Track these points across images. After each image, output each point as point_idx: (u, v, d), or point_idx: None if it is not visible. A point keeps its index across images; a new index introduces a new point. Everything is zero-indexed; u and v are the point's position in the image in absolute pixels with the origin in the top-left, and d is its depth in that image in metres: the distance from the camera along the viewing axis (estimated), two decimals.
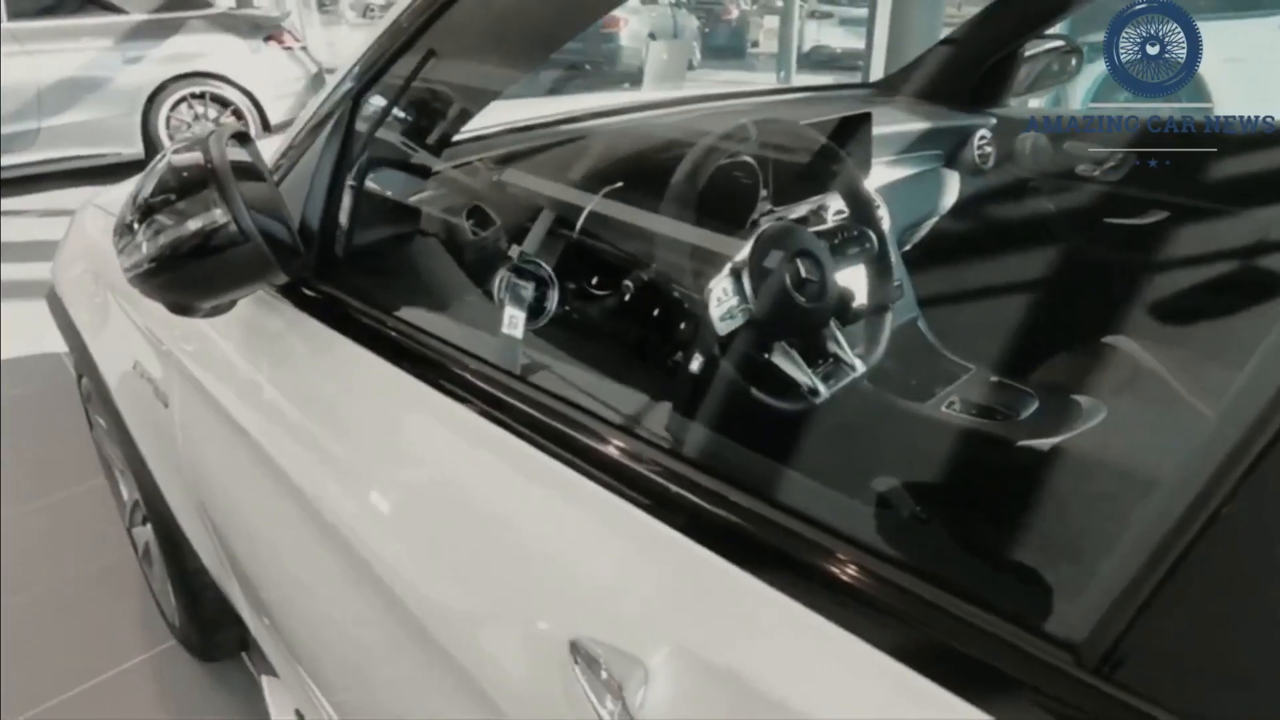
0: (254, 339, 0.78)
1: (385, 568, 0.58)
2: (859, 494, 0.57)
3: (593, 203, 0.84)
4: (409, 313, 0.69)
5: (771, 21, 10.59)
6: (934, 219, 1.53)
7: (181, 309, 0.69)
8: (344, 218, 0.74)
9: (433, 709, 0.57)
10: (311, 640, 0.83)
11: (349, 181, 0.74)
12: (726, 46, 11.29)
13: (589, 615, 0.45)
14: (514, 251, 0.82)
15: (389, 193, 0.82)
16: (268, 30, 5.04)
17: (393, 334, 0.65)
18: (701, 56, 10.23)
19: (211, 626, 1.38)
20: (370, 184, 0.78)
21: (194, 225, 0.61)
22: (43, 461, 2.15)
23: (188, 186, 0.62)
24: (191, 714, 1.42)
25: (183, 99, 4.72)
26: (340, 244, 0.75)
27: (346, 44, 10.00)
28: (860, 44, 5.80)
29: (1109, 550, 0.34)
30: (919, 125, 1.51)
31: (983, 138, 1.61)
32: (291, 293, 0.74)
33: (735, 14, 11.57)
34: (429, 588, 0.55)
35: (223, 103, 4.86)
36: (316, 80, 5.18)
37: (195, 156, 0.63)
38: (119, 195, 1.45)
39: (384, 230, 0.79)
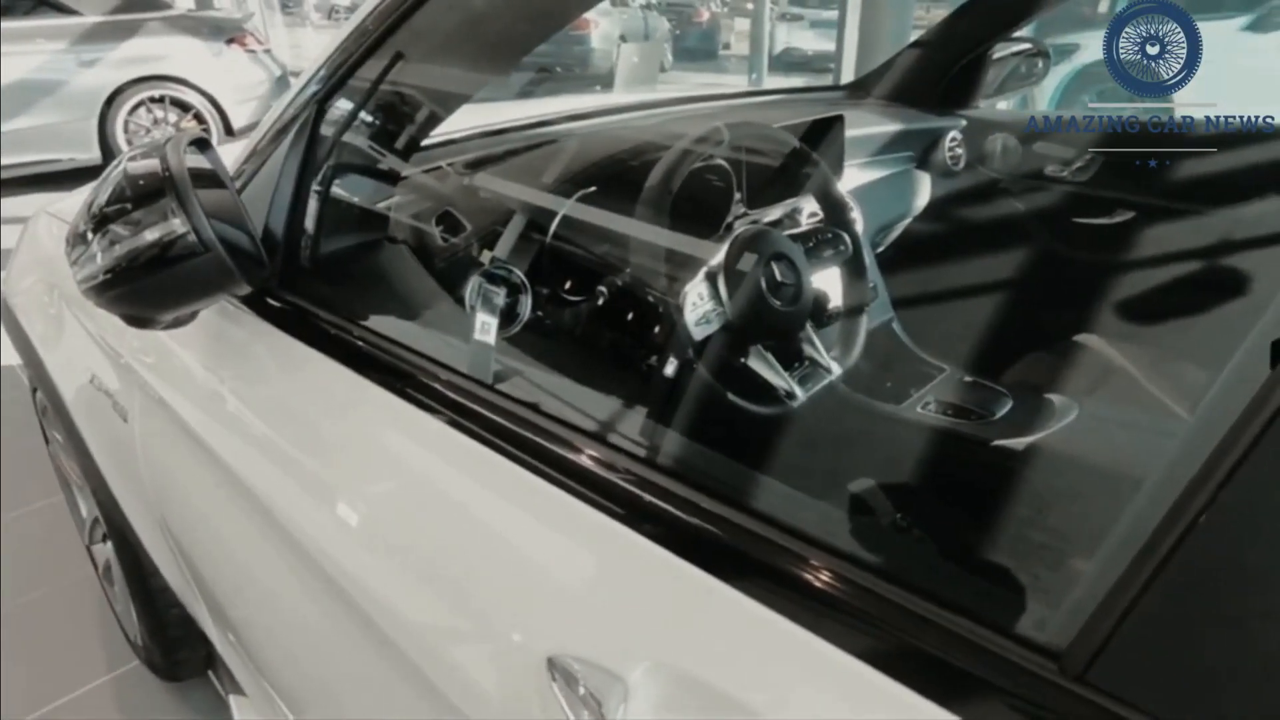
0: (217, 350, 0.76)
1: (353, 583, 0.56)
2: (837, 500, 0.57)
3: (566, 207, 0.83)
4: (377, 321, 0.67)
5: (743, 24, 10.65)
6: (906, 220, 1.54)
7: (139, 322, 0.66)
8: (309, 225, 0.72)
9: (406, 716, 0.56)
10: (279, 658, 0.80)
11: (314, 188, 0.71)
12: (698, 49, 11.33)
13: (566, 630, 0.43)
14: (485, 257, 0.80)
15: (356, 199, 0.80)
16: (230, 32, 4.94)
17: (360, 344, 0.63)
18: (673, 59, 10.25)
19: (175, 645, 1.34)
20: (336, 190, 0.76)
21: (151, 236, 0.58)
22: (4, 475, 2.07)
23: (144, 195, 0.59)
24: None
25: (141, 103, 4.61)
26: (306, 252, 0.72)
27: (311, 46, 9.84)
28: (831, 46, 5.86)
29: (1090, 554, 0.33)
30: (890, 127, 1.52)
31: (953, 139, 1.62)
32: (255, 303, 0.72)
33: (706, 17, 11.61)
34: (398, 603, 0.53)
35: (183, 107, 4.76)
36: (280, 83, 5.09)
37: (152, 164, 0.60)
38: (73, 203, 1.40)
39: (351, 238, 0.77)
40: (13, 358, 2.66)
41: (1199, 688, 0.29)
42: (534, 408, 0.52)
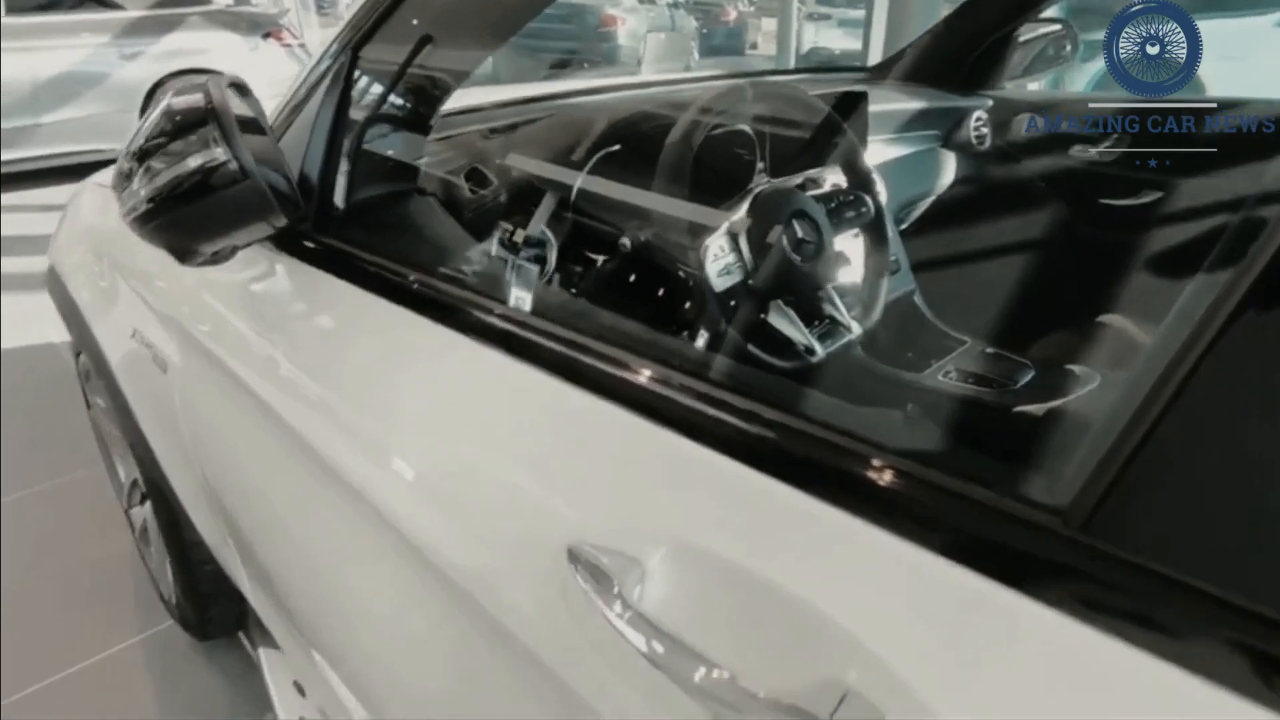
0: (253, 293, 0.78)
1: (391, 506, 0.58)
2: (851, 399, 0.59)
3: (590, 163, 0.85)
4: (410, 260, 0.69)
5: (769, 24, 10.59)
6: (930, 198, 1.54)
7: (182, 253, 0.69)
8: (342, 172, 0.74)
9: (442, 661, 0.58)
10: (316, 603, 0.82)
11: (347, 137, 0.74)
12: (724, 47, 11.30)
13: (584, 521, 0.45)
14: (513, 211, 0.83)
15: (388, 151, 0.82)
16: (266, 27, 5.05)
17: (397, 277, 0.65)
18: (699, 58, 10.25)
19: (208, 603, 1.38)
20: (368, 141, 0.78)
21: (193, 163, 0.61)
22: (40, 448, 2.15)
23: (187, 126, 0.62)
24: (188, 691, 1.42)
25: None
26: (339, 198, 0.75)
27: None
28: (859, 46, 5.81)
29: (1089, 430, 0.35)
30: (915, 105, 1.52)
31: (979, 119, 1.62)
32: (291, 246, 0.74)
33: (733, 15, 11.58)
34: (439, 527, 0.55)
35: None
36: None
37: (194, 98, 0.63)
38: (100, 175, 1.45)
39: (382, 187, 0.79)
40: (48, 335, 2.76)
41: (1190, 531, 0.31)
42: (553, 320, 0.55)
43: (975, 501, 0.36)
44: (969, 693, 0.33)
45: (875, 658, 0.34)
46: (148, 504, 1.50)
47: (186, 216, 0.64)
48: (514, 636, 0.48)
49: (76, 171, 4.61)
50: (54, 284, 1.33)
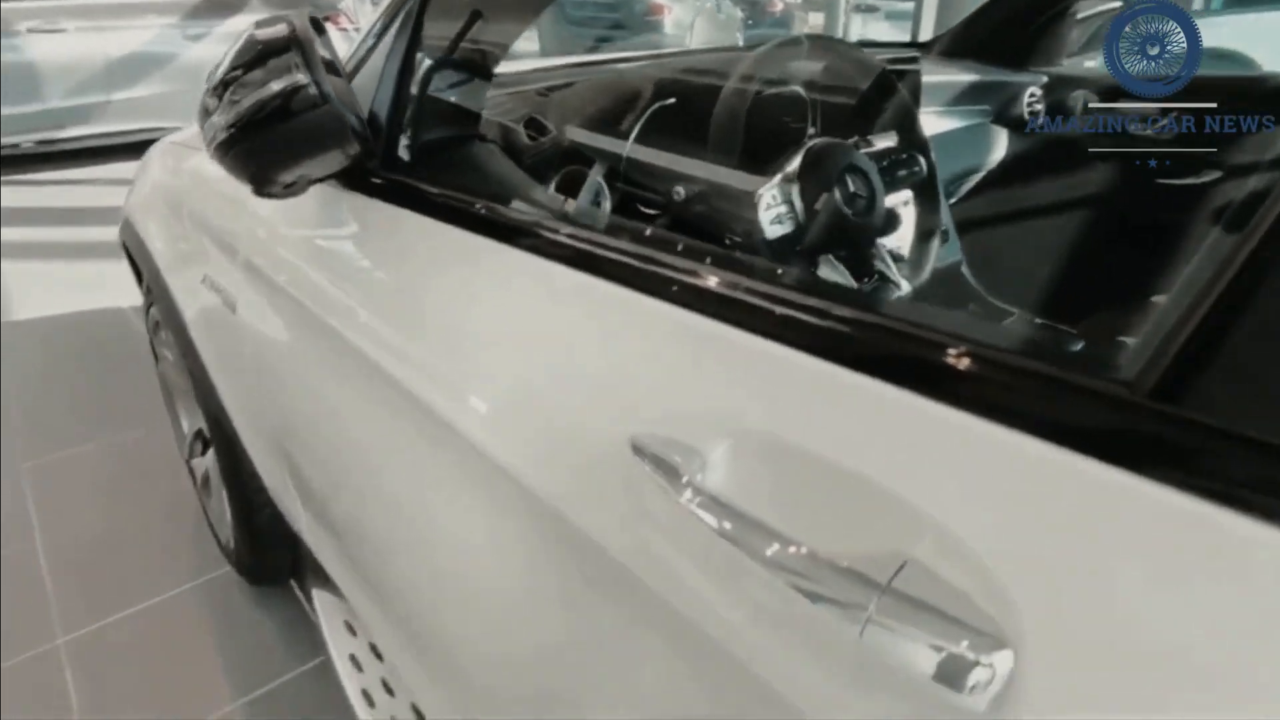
0: (323, 230, 0.82)
1: (463, 422, 0.60)
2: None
3: (646, 115, 0.87)
4: (476, 191, 0.72)
5: (816, 18, 10.46)
6: (980, 173, 1.53)
7: (261, 182, 0.73)
8: (409, 114, 0.78)
9: (512, 586, 0.60)
10: (378, 543, 0.85)
11: (415, 81, 0.77)
12: (770, 38, 11.18)
13: (646, 416, 0.47)
14: (568, 163, 0.85)
15: (451, 96, 0.85)
16: (324, 12, 5.17)
17: (463, 206, 0.68)
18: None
19: (265, 548, 1.44)
20: (435, 86, 0.81)
21: (275, 87, 0.64)
22: (106, 404, 2.25)
23: (269, 53, 0.66)
24: (241, 634, 1.48)
25: None
26: (405, 138, 0.78)
27: None
28: (907, 39, 5.71)
29: (1155, 308, 0.36)
30: (967, 79, 1.51)
31: (1032, 95, 1.59)
32: (359, 184, 0.78)
33: (779, 7, 11.47)
34: (511, 436, 0.56)
35: None
36: None
37: (278, 28, 0.66)
38: (190, 133, 1.52)
39: (446, 130, 0.82)
40: (117, 301, 2.88)
41: (1252, 395, 0.32)
42: (616, 235, 0.57)
43: (1038, 374, 0.36)
44: (1031, 558, 0.34)
45: (935, 527, 0.35)
46: (209, 453, 1.57)
47: (266, 142, 0.67)
48: (588, 540, 0.49)
49: (144, 148, 4.81)
50: (129, 235, 1.40)
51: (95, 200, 4.20)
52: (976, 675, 0.32)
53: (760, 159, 0.86)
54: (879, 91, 1.05)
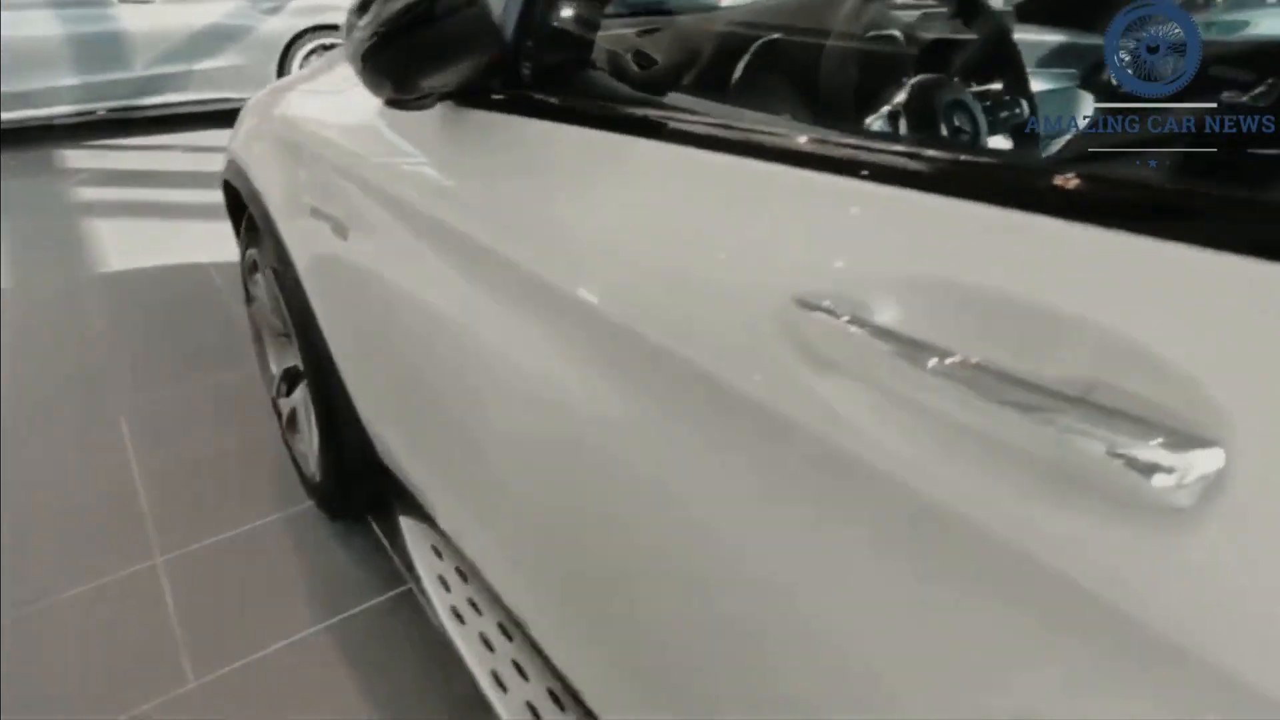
0: (449, 144, 0.83)
1: (615, 302, 0.61)
2: None
3: (755, 48, 0.88)
4: (608, 96, 0.73)
5: None
6: (1066, 137, 1.49)
7: (401, 89, 0.75)
8: (534, 33, 0.79)
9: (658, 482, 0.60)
10: (493, 468, 0.87)
11: (537, 6, 0.79)
12: None
13: (810, 274, 0.48)
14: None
15: (570, 23, 0.86)
16: None
17: (598, 107, 0.70)
18: None
19: (351, 482, 1.50)
20: (556, 10, 0.83)
21: None
22: (191, 350, 2.36)
23: None
24: (319, 563, 1.55)
25: (314, 49, 5.00)
26: (527, 58, 0.80)
27: None
28: None
29: None
30: (1055, 40, 1.47)
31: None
32: (483, 101, 0.80)
33: None
34: (671, 313, 0.57)
35: None
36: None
37: None
38: (293, 80, 1.57)
39: (564, 53, 0.83)
40: (198, 257, 3.00)
41: None
42: (762, 116, 0.58)
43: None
44: (1236, 366, 0.34)
45: (1130, 343, 0.36)
46: (297, 392, 1.64)
47: (412, 45, 0.70)
48: (746, 404, 0.50)
49: (216, 118, 4.99)
50: (234, 173, 1.46)
51: (174, 165, 4.38)
52: (1183, 471, 0.32)
53: (866, 92, 0.86)
54: (984, 35, 1.04)
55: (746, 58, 0.86)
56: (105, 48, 4.42)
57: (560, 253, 0.66)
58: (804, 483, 0.48)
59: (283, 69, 4.90)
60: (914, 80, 0.86)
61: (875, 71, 0.88)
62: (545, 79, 0.80)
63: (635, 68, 0.89)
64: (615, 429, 0.63)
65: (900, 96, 0.85)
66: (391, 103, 0.78)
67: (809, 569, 0.49)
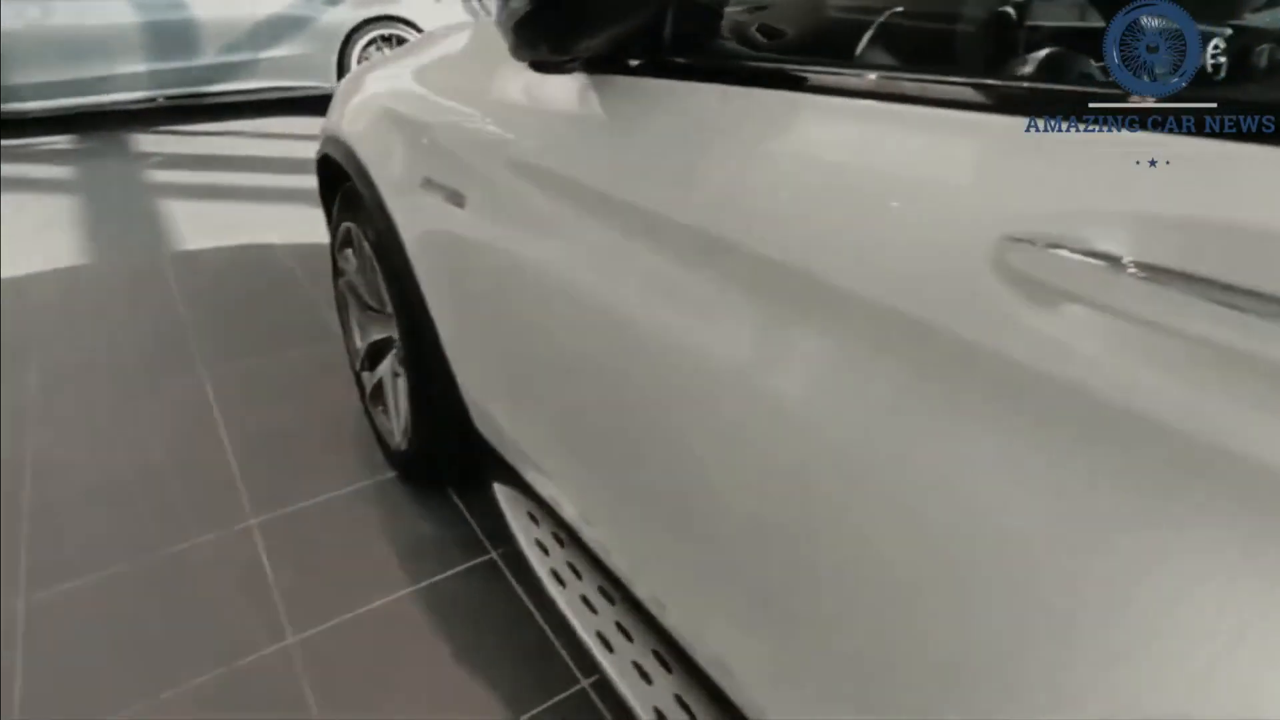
0: (593, 109, 0.83)
1: (792, 247, 0.62)
2: None
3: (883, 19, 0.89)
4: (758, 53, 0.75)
5: None
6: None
7: (557, 50, 0.77)
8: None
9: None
10: (619, 437, 0.89)
11: None
12: None
13: (1020, 215, 0.48)
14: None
15: None
16: None
17: (752, 69, 0.71)
18: None
19: (439, 452, 1.54)
20: None
21: None
22: (267, 325, 2.43)
23: None
24: (404, 531, 1.59)
25: (373, 40, 5.10)
26: (674, 23, 0.82)
27: None
28: None
29: None
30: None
31: (1215, 48, 1.51)
32: (617, 68, 0.82)
33: None
34: (864, 265, 0.57)
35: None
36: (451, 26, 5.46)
37: None
38: (392, 59, 1.62)
39: (695, 24, 0.85)
40: (267, 238, 3.08)
41: None
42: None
43: None
44: None
45: None
46: (384, 364, 1.69)
47: (575, 9, 0.72)
48: (968, 349, 0.50)
49: (278, 106, 5.11)
50: (334, 147, 1.50)
51: (240, 150, 4.50)
52: None
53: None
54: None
55: (897, 16, 0.87)
56: (177, 35, 4.55)
57: (744, 211, 0.66)
58: (1049, 434, 0.45)
59: (343, 59, 5.00)
60: (1045, 54, 0.86)
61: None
62: (684, 45, 0.82)
63: (763, 40, 0.91)
64: (806, 395, 0.62)
65: (1025, 70, 0.85)
66: (538, 65, 0.80)
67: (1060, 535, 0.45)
